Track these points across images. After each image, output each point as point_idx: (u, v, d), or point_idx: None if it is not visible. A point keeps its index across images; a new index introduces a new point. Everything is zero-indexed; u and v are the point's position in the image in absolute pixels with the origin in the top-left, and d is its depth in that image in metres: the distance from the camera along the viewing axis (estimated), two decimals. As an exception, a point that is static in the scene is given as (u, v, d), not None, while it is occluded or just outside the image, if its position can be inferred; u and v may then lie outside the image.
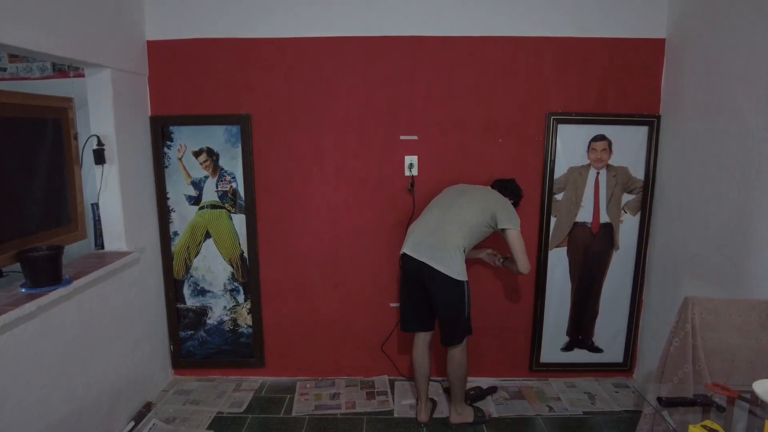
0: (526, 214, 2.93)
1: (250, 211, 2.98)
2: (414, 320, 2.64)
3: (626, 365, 3.14)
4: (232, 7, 2.80)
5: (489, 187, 2.72)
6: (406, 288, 2.63)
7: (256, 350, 3.13)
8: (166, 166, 2.95)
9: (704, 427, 1.36)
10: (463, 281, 2.46)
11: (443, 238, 2.45)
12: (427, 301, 2.56)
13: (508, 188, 2.73)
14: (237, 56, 2.84)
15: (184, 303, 3.10)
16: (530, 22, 2.80)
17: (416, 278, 2.51)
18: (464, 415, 2.67)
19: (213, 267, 3.06)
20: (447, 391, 2.93)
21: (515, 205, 2.71)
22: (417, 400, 2.74)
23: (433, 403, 2.81)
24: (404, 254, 2.51)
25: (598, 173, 2.94)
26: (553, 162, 2.91)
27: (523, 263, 2.51)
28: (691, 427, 1.38)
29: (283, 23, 2.81)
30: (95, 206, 3.01)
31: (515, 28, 2.81)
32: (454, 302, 2.49)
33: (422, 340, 2.64)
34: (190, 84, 2.87)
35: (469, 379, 3.07)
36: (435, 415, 2.74)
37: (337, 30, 2.81)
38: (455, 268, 2.42)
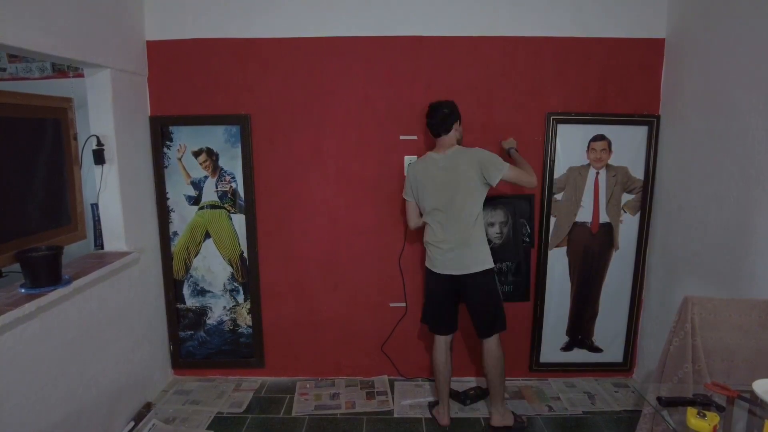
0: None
1: (250, 211, 2.98)
2: (441, 323, 2.62)
3: (626, 365, 3.14)
4: (232, 8, 2.80)
5: (456, 148, 2.48)
6: (435, 296, 2.60)
7: (255, 350, 3.13)
8: (166, 166, 2.95)
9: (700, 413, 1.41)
10: (492, 267, 2.48)
11: (466, 242, 2.43)
12: (455, 303, 2.59)
13: (454, 115, 2.50)
14: (237, 56, 2.84)
15: (184, 303, 3.10)
16: (530, 21, 2.80)
17: (448, 287, 2.53)
18: (506, 418, 2.62)
19: (213, 267, 3.06)
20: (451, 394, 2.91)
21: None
22: (437, 402, 2.72)
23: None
24: (432, 271, 2.53)
25: (597, 173, 2.94)
26: (552, 162, 2.91)
27: (532, 179, 2.44)
28: (689, 408, 1.44)
29: (283, 23, 2.81)
30: (95, 206, 3.01)
31: (515, 27, 2.81)
32: (491, 290, 2.52)
33: (444, 341, 2.62)
34: (189, 84, 2.87)
35: (469, 378, 3.09)
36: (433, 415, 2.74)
37: (337, 30, 2.81)
38: (486, 259, 2.46)
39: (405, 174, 2.58)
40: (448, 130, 2.49)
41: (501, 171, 2.38)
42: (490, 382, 2.60)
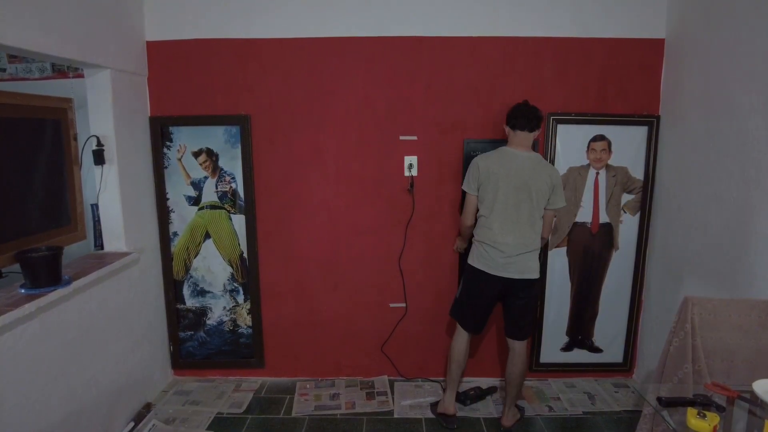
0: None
1: (250, 212, 2.98)
2: (479, 323, 2.63)
3: (626, 365, 3.14)
4: (232, 8, 2.80)
5: (537, 154, 2.49)
6: (482, 297, 2.56)
7: (255, 351, 3.13)
8: (166, 167, 2.95)
9: (700, 413, 1.41)
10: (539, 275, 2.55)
11: (528, 248, 2.44)
12: (495, 305, 2.61)
13: (539, 120, 2.47)
14: (237, 56, 2.84)
15: (184, 303, 3.10)
16: (530, 22, 2.80)
17: (498, 289, 2.51)
18: (515, 415, 2.68)
19: (213, 267, 3.06)
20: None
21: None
22: (437, 403, 2.76)
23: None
24: (485, 272, 2.48)
25: (597, 173, 2.94)
26: (552, 162, 2.91)
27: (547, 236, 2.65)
28: (689, 409, 1.45)
29: (283, 23, 2.81)
30: (95, 207, 3.01)
31: (515, 28, 2.81)
32: (535, 295, 2.63)
33: (468, 333, 2.66)
34: (189, 84, 2.87)
35: (470, 379, 3.08)
36: (438, 410, 2.74)
37: (337, 30, 2.81)
38: (538, 266, 2.52)
39: (473, 166, 2.49)
40: (536, 128, 2.46)
41: (558, 205, 2.50)
42: (511, 383, 2.60)
